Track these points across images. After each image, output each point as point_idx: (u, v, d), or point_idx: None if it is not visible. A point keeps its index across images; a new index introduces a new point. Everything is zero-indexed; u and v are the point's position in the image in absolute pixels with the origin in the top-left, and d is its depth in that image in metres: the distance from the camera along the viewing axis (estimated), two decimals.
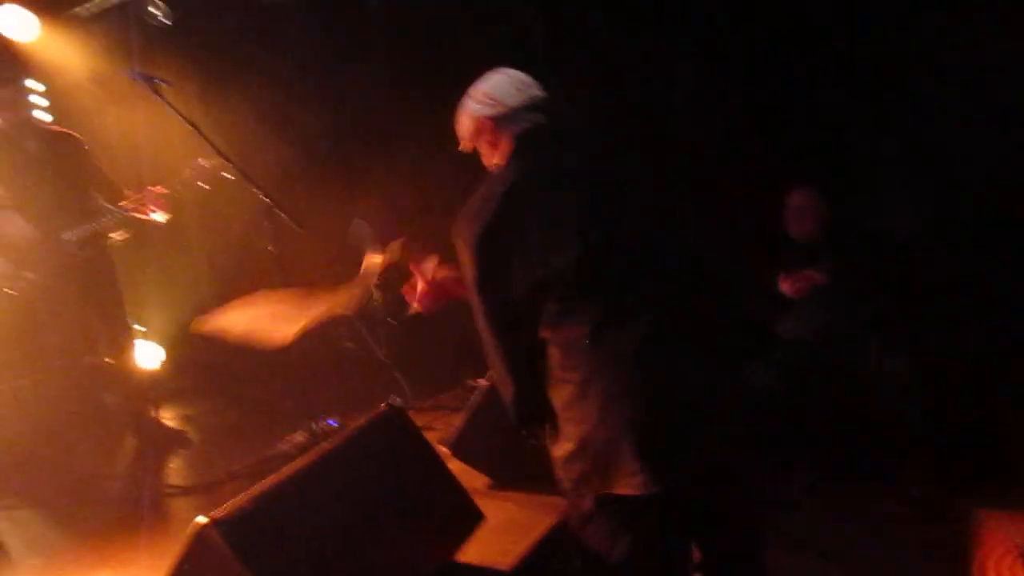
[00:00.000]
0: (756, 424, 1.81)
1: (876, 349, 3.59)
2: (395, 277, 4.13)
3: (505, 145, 1.92)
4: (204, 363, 5.46)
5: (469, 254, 1.77)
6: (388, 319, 4.07)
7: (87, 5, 5.33)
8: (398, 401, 2.74)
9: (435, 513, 2.30)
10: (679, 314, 1.74)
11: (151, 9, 5.01)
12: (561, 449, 1.76)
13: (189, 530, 1.72)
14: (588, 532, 1.77)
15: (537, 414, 1.81)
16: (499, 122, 1.91)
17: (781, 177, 3.91)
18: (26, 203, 4.02)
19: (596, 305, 1.71)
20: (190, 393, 5.37)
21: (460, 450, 3.00)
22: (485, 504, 2.70)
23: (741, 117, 4.14)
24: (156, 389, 5.04)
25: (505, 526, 2.62)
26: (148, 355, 5.30)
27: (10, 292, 4.07)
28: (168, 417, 4.90)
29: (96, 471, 4.04)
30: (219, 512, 1.73)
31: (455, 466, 2.77)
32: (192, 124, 3.56)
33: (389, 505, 2.15)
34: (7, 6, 4.90)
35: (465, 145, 2.02)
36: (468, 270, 1.79)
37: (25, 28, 4.95)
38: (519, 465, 2.94)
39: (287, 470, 2.00)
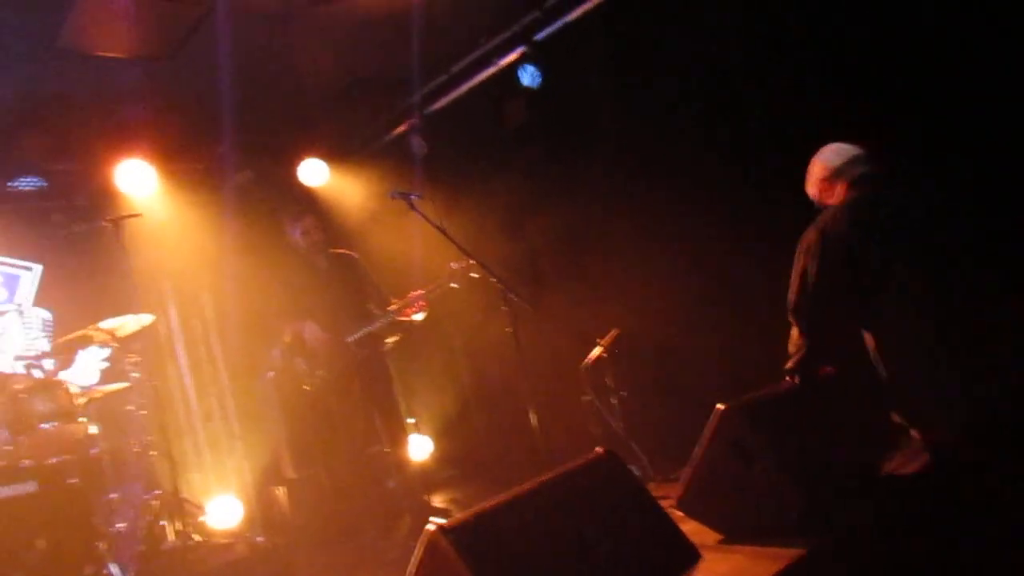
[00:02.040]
0: None
1: None
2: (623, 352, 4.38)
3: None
4: (465, 454, 6.00)
5: None
6: (621, 392, 4.26)
7: (367, 154, 6.49)
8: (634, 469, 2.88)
9: (648, 550, 2.38)
10: None
11: (413, 145, 6.00)
12: None
13: (422, 537, 2.02)
14: None
15: None
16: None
17: None
18: (317, 311, 4.82)
19: None
20: (457, 480, 5.87)
21: (688, 506, 3.05)
22: (711, 555, 2.73)
23: None
24: (427, 477, 5.63)
25: (728, 571, 2.61)
26: (419, 446, 5.96)
27: (306, 388, 4.86)
28: (438, 500, 5.40)
29: (378, 542, 4.57)
30: (449, 522, 2.01)
31: (689, 527, 2.82)
32: (440, 228, 4.15)
33: (602, 538, 2.29)
34: (307, 160, 6.13)
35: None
36: None
37: (318, 175, 6.13)
38: (749, 519, 2.94)
39: (508, 494, 2.25)
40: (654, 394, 4.50)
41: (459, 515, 2.08)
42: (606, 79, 5.09)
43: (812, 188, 3.29)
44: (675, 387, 4.47)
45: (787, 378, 3.19)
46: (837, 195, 3.15)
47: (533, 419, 4.07)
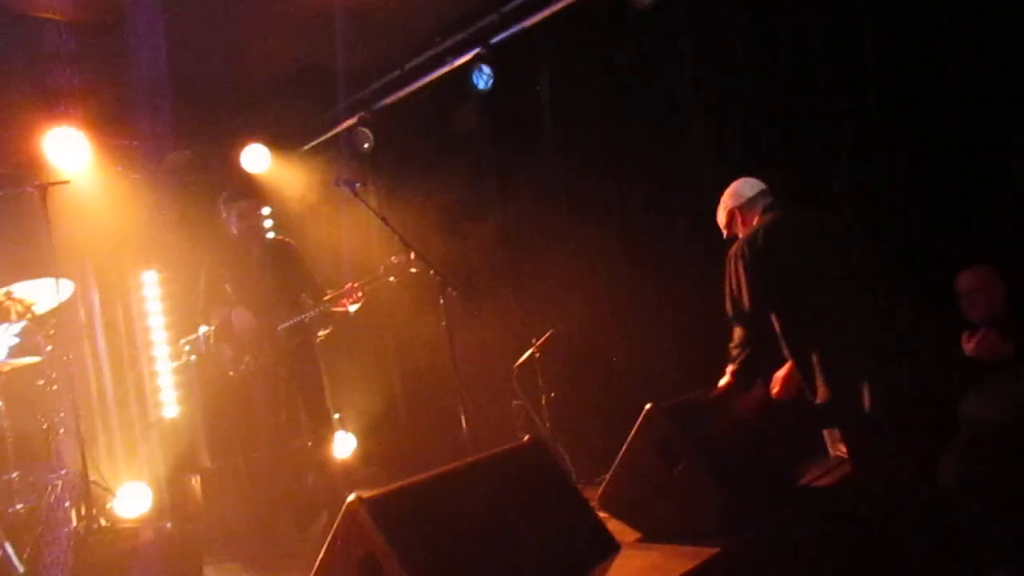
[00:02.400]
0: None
1: None
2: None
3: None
4: (390, 452, 5.92)
5: None
6: (550, 394, 4.28)
7: (312, 144, 6.42)
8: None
9: (568, 538, 2.39)
10: None
11: (358, 138, 5.96)
12: None
13: (343, 508, 1.98)
14: None
15: None
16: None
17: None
18: (249, 298, 4.70)
19: None
20: (379, 478, 5.78)
21: (608, 503, 3.07)
22: (629, 552, 2.75)
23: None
24: (349, 474, 5.52)
25: (644, 567, 2.63)
26: (343, 443, 5.85)
27: (231, 374, 4.73)
28: None
29: (292, 537, 4.46)
30: (368, 493, 1.98)
31: (610, 527, 2.83)
32: (382, 218, 4.12)
33: (523, 522, 2.28)
34: (251, 145, 6.02)
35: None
36: None
37: (260, 162, 6.03)
38: (668, 518, 2.98)
39: (431, 473, 2.23)
40: (584, 397, 4.54)
41: (382, 490, 2.05)
42: (554, 86, 5.16)
43: (725, 218, 3.42)
44: (606, 390, 4.51)
45: (729, 378, 3.26)
46: (748, 223, 3.31)
47: (463, 419, 4.05)
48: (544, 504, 2.39)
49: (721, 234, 3.41)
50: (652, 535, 3.00)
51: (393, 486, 2.09)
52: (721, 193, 3.41)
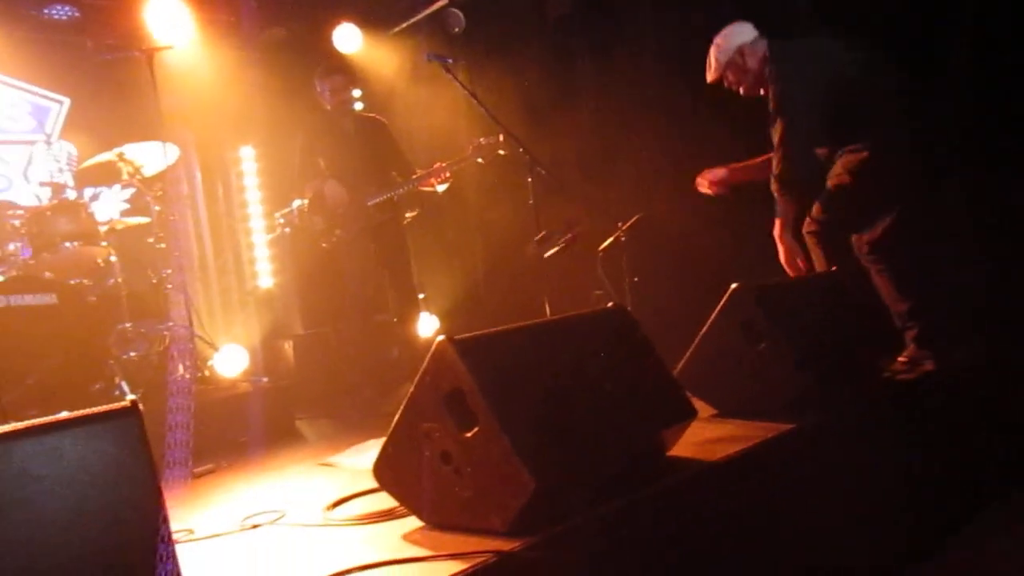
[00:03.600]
0: None
1: None
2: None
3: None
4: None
5: None
6: (633, 279, 4.30)
7: (403, 26, 6.39)
8: None
9: (647, 397, 2.45)
10: None
11: (449, 20, 5.89)
12: None
13: (432, 347, 2.09)
14: None
15: None
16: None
17: None
18: (340, 172, 4.82)
19: None
20: None
21: (686, 379, 3.11)
22: (703, 424, 2.81)
23: None
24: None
25: (719, 436, 2.69)
26: (427, 323, 6.05)
27: (324, 245, 4.91)
28: None
29: (375, 399, 4.70)
30: (457, 335, 2.08)
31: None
32: (472, 94, 4.11)
33: (604, 377, 2.35)
34: (342, 25, 6.04)
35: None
36: None
37: (352, 42, 6.05)
38: (745, 397, 3.01)
39: (517, 324, 2.31)
40: (669, 282, 4.53)
41: (472, 334, 2.14)
42: None
43: (727, 70, 3.49)
44: (691, 276, 4.49)
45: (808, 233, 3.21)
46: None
47: (546, 305, 4.12)
48: (625, 365, 2.45)
49: None
50: (728, 412, 3.04)
51: (480, 332, 2.18)
52: None
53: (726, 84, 3.55)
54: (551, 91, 5.48)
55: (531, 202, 4.04)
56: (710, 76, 3.57)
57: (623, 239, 4.26)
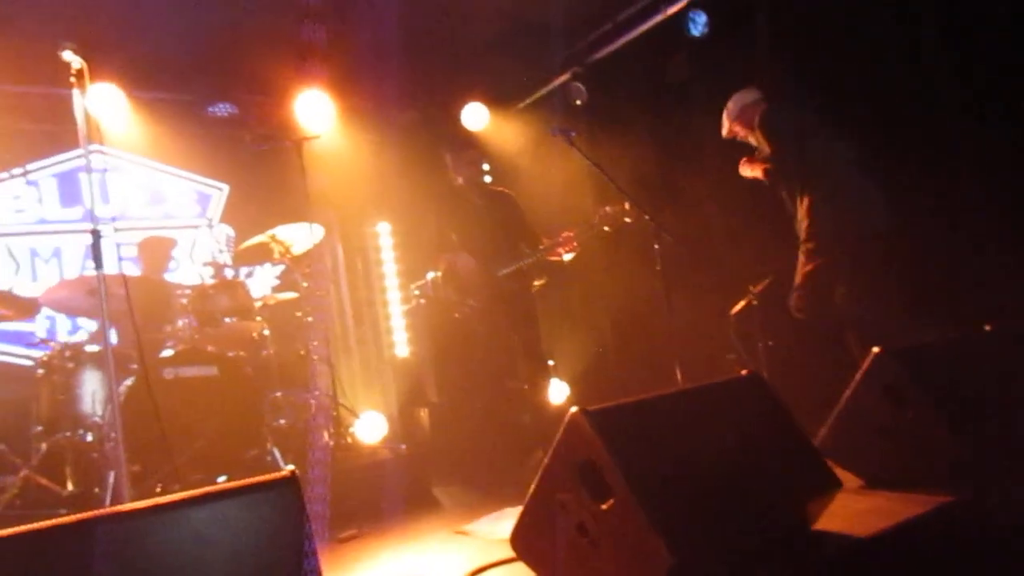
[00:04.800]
0: None
1: None
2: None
3: None
4: (602, 403, 6.06)
5: None
6: (768, 343, 4.19)
7: (527, 101, 6.66)
8: None
9: (786, 470, 2.37)
10: None
11: (572, 93, 6.09)
12: None
13: (565, 418, 2.13)
14: None
15: None
16: None
17: None
18: (471, 244, 5.01)
19: None
20: None
21: (828, 448, 2.98)
22: (851, 496, 2.68)
23: None
24: (562, 419, 5.74)
25: (869, 509, 2.56)
26: (558, 389, 6.09)
27: (457, 316, 5.09)
28: None
29: (507, 469, 4.75)
30: (590, 407, 2.11)
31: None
32: (597, 166, 4.21)
33: (741, 448, 2.30)
34: (471, 104, 6.36)
35: None
36: None
37: (479, 119, 6.35)
38: (894, 466, 2.85)
39: (649, 395, 2.31)
40: (804, 345, 4.39)
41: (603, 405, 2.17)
42: (774, 32, 4.94)
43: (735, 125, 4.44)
44: (828, 338, 4.33)
45: None
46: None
47: (677, 371, 4.08)
48: (761, 435, 2.39)
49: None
50: (878, 483, 2.89)
51: (613, 402, 2.21)
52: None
53: (738, 138, 4.42)
54: (673, 157, 5.52)
55: (658, 268, 4.05)
56: (723, 132, 4.48)
57: (755, 302, 4.18)
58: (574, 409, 2.11)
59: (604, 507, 1.99)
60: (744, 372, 2.63)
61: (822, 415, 3.09)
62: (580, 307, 6.39)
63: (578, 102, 6.13)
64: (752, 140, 4.39)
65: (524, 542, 2.22)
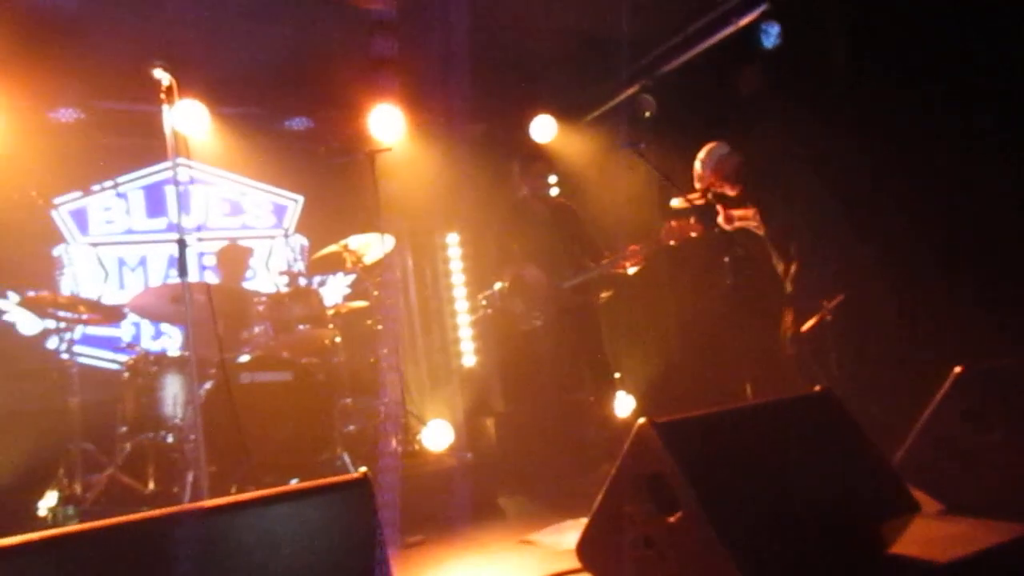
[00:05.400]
0: None
1: None
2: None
3: None
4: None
5: None
6: (841, 362, 4.09)
7: (594, 114, 6.67)
8: None
9: (863, 489, 2.31)
10: None
11: (641, 105, 6.08)
12: None
13: (633, 429, 2.13)
14: None
15: None
16: None
17: None
18: (535, 255, 5.03)
19: None
20: None
21: (907, 471, 2.89)
22: (931, 522, 2.59)
23: None
24: (628, 433, 5.70)
25: (950, 535, 2.46)
26: (623, 403, 6.05)
27: (523, 328, 5.11)
28: None
29: (572, 481, 4.74)
30: (659, 418, 2.10)
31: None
32: (666, 177, 4.20)
33: (814, 466, 2.26)
34: (539, 117, 6.41)
35: None
36: None
37: (547, 132, 6.39)
38: (976, 490, 2.74)
39: (719, 408, 2.29)
40: (879, 364, 4.26)
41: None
42: (850, 43, 4.84)
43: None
44: (903, 358, 4.20)
45: None
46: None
47: (748, 389, 4.02)
48: (835, 454, 2.34)
49: None
50: (959, 508, 2.78)
51: (681, 415, 2.19)
52: None
53: (711, 189, 4.56)
54: (746, 169, 5.43)
55: (729, 282, 4.00)
56: (696, 184, 4.60)
57: (828, 318, 4.08)
58: (642, 420, 2.10)
59: (671, 520, 1.98)
60: (817, 388, 2.57)
61: (900, 435, 3.00)
62: (646, 320, 6.34)
63: (647, 114, 6.10)
64: (727, 190, 4.62)
65: (590, 553, 2.23)
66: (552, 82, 6.40)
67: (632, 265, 4.82)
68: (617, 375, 6.08)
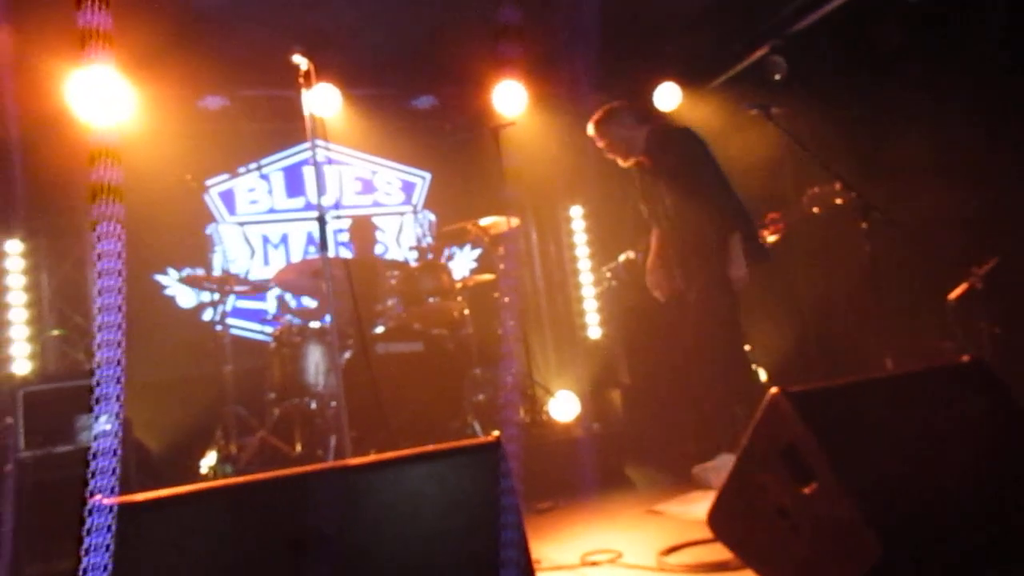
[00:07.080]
0: None
1: None
2: None
3: None
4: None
5: None
6: (994, 330, 3.82)
7: (721, 79, 6.47)
8: None
9: (1018, 467, 2.17)
10: None
11: (770, 67, 5.84)
12: None
13: (764, 400, 2.09)
14: None
15: None
16: None
17: None
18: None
19: None
20: None
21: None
22: None
23: None
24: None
25: None
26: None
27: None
28: None
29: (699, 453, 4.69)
30: (792, 388, 2.06)
31: None
32: (801, 144, 4.03)
33: (961, 444, 2.14)
34: (663, 84, 6.28)
35: None
36: None
37: (671, 99, 6.27)
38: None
39: (858, 376, 2.21)
40: None
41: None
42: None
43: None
44: None
45: None
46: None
47: (888, 362, 3.84)
48: (985, 426, 2.21)
49: None
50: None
51: (816, 384, 2.14)
52: None
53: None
54: (883, 130, 5.13)
55: (867, 248, 3.81)
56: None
57: (978, 286, 3.82)
58: (775, 390, 2.06)
59: (806, 491, 1.94)
60: (965, 358, 2.43)
61: None
62: (780, 290, 6.13)
63: (777, 77, 5.86)
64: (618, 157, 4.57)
65: (722, 522, 2.22)
66: (676, 46, 6.24)
67: (771, 234, 4.69)
68: (748, 347, 5.94)
